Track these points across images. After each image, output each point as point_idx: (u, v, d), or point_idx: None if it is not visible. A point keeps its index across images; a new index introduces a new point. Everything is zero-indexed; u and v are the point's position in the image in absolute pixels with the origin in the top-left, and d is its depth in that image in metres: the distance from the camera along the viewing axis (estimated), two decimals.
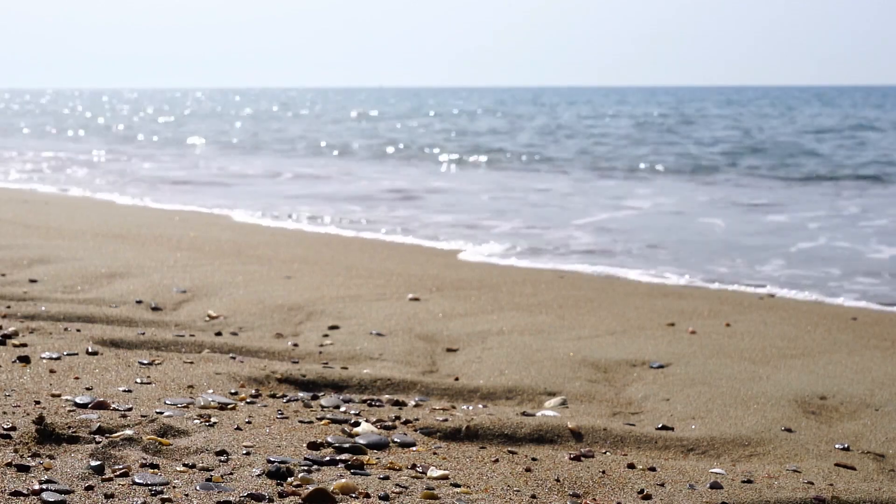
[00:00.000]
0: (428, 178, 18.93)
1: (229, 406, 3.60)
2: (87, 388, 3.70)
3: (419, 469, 3.06)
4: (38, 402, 3.42)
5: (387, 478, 2.93)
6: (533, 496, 2.90)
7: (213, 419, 3.39)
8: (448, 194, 15.53)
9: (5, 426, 3.08)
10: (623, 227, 11.58)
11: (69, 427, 3.14)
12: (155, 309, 5.56)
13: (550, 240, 10.44)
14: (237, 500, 2.66)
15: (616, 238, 10.58)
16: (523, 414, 3.86)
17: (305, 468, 2.95)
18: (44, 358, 4.12)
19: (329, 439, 3.23)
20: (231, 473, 2.87)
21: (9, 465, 2.78)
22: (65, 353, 4.24)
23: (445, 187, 16.78)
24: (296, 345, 4.86)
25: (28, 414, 3.25)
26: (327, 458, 3.05)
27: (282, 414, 3.56)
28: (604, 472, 3.17)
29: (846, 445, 3.68)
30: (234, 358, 4.45)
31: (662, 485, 3.09)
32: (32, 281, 6.14)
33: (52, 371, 3.91)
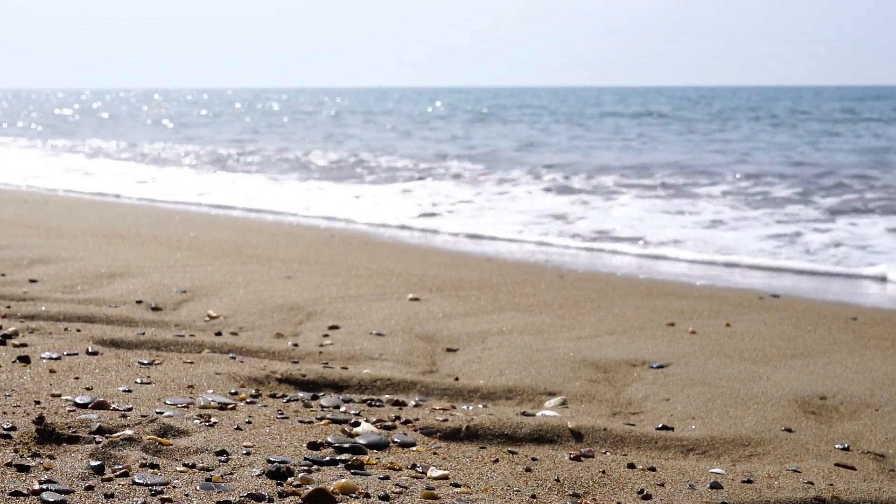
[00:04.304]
0: None
1: (229, 406, 3.60)
2: (87, 388, 3.70)
3: (419, 469, 3.06)
4: (38, 402, 3.42)
5: (387, 478, 2.93)
6: (533, 496, 2.90)
7: (213, 419, 3.39)
8: None
9: (5, 426, 3.08)
10: None
11: (69, 427, 3.14)
12: (155, 309, 5.56)
13: None
14: (237, 500, 2.66)
15: None
16: (523, 414, 3.86)
17: (305, 468, 2.95)
18: (44, 358, 4.12)
19: (329, 439, 3.23)
20: (231, 473, 2.87)
21: (9, 465, 2.78)
22: (65, 353, 4.24)
23: None
24: (296, 345, 4.86)
25: (28, 414, 3.25)
26: (327, 458, 3.05)
27: (282, 414, 3.56)
28: (604, 472, 3.17)
29: (846, 445, 3.68)
30: (234, 358, 4.45)
31: (662, 485, 3.09)
32: (32, 281, 6.14)
33: (52, 371, 3.91)
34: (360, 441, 3.27)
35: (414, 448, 3.31)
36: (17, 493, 2.59)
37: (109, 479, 2.74)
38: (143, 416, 3.33)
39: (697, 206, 13.84)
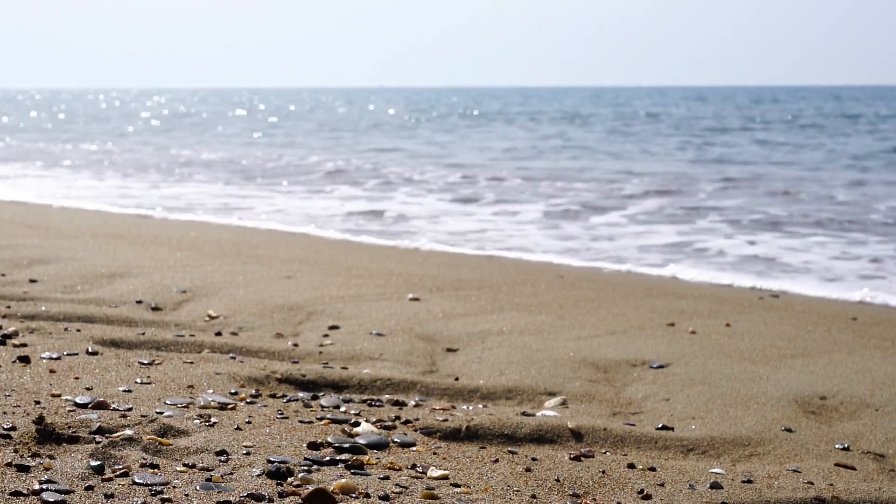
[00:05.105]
0: None
1: (229, 406, 3.60)
2: (87, 388, 3.70)
3: (419, 469, 3.06)
4: (38, 402, 3.42)
5: (387, 478, 2.93)
6: (533, 496, 2.90)
7: (213, 419, 3.39)
8: None
9: (5, 426, 3.08)
10: None
11: (69, 427, 3.14)
12: (155, 309, 5.56)
13: None
14: (237, 500, 2.66)
15: None
16: (523, 414, 3.86)
17: (305, 468, 2.95)
18: (44, 358, 4.12)
19: (329, 439, 3.23)
20: (231, 473, 2.87)
21: (9, 465, 2.78)
22: (65, 353, 4.24)
23: None
24: (296, 345, 4.86)
25: (28, 414, 3.25)
26: (327, 458, 3.05)
27: (282, 414, 3.56)
28: (604, 472, 3.17)
29: (846, 445, 3.68)
30: (234, 358, 4.45)
31: (662, 485, 3.09)
32: (32, 281, 6.14)
33: (52, 371, 3.91)
34: (360, 441, 3.27)
35: (414, 448, 3.31)
36: (17, 493, 2.59)
37: (109, 479, 2.74)
38: (143, 416, 3.33)
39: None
